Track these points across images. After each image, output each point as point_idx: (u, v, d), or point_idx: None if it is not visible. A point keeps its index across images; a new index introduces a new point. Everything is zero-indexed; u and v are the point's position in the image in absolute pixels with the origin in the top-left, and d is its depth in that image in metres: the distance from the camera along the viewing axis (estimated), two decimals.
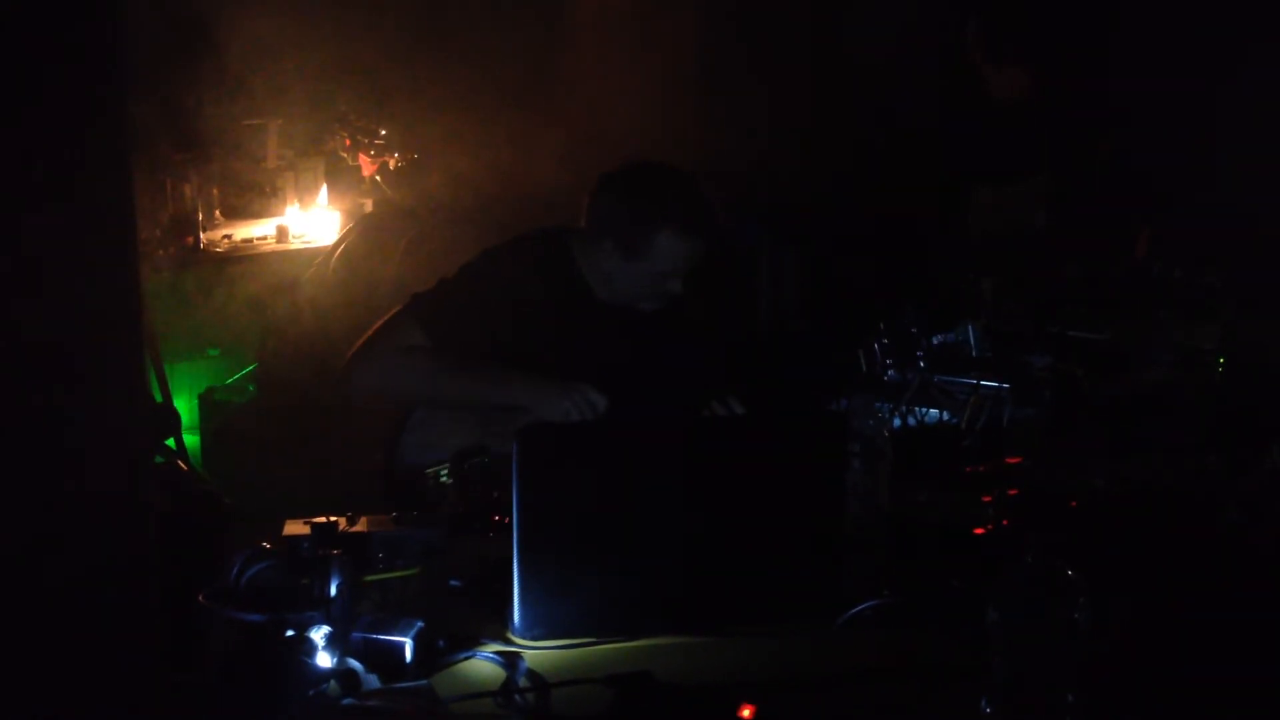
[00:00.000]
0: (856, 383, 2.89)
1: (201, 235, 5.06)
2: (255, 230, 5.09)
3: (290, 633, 1.73)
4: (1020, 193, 4.76)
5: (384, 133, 5.50)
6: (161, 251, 4.92)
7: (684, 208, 2.58)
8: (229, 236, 5.12)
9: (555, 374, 2.54)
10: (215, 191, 5.25)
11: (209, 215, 5.17)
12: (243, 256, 4.95)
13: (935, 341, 3.00)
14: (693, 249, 2.59)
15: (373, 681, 1.72)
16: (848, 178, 5.31)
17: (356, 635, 1.76)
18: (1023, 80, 4.65)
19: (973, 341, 3.06)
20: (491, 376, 2.57)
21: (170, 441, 3.87)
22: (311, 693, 1.68)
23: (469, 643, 1.83)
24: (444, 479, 2.34)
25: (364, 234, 4.38)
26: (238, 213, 5.30)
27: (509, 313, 2.60)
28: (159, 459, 3.60)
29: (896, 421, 2.74)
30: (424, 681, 1.73)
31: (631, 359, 2.68)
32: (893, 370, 2.91)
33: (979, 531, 2.22)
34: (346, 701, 1.68)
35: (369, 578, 1.98)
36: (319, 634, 1.72)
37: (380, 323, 2.62)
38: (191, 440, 4.46)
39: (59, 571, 1.59)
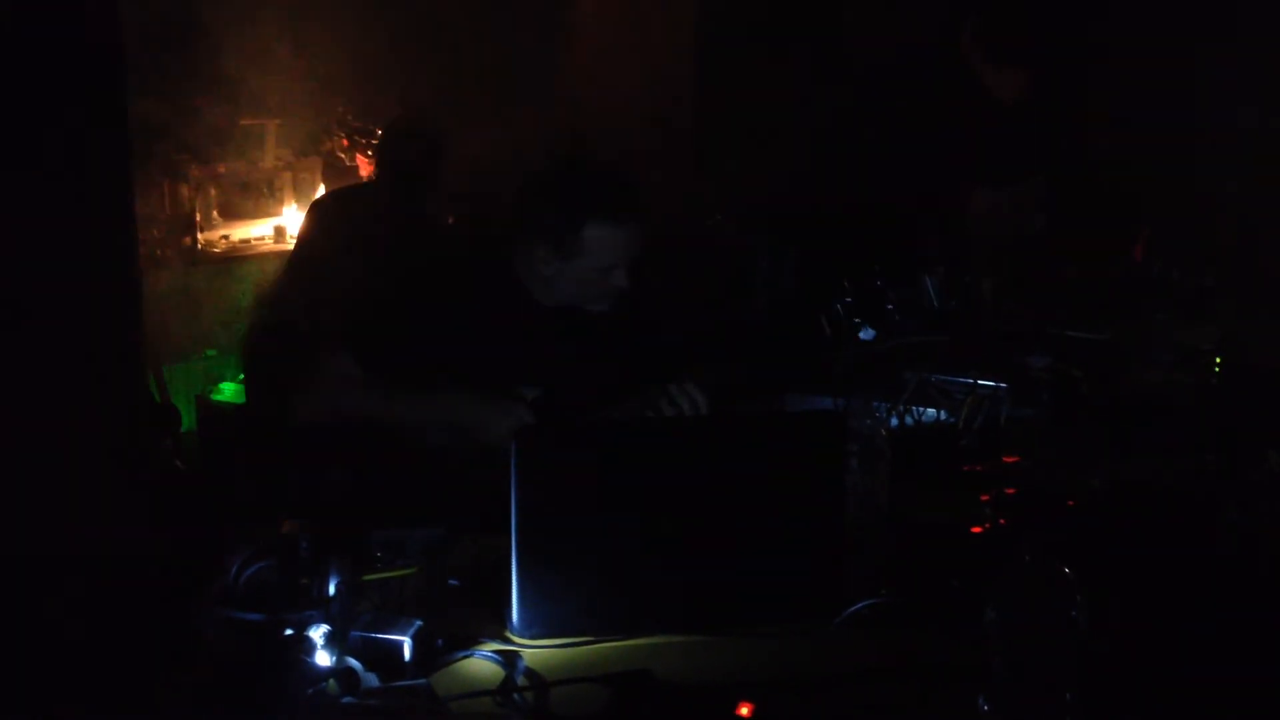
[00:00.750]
0: (828, 354, 2.88)
1: (199, 236, 5.06)
2: (253, 230, 5.10)
3: (289, 632, 1.73)
4: (1019, 194, 4.76)
5: (381, 133, 5.50)
6: (159, 252, 4.93)
7: (608, 198, 2.53)
8: (227, 237, 5.13)
9: (496, 389, 2.51)
10: (213, 192, 5.25)
11: (207, 216, 5.18)
12: (241, 257, 4.95)
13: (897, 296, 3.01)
14: (626, 238, 2.55)
15: (372, 680, 1.72)
16: (847, 178, 5.31)
17: (355, 634, 1.76)
18: (1022, 81, 4.65)
19: (931, 293, 3.07)
20: (426, 400, 2.53)
21: (169, 440, 3.86)
22: (310, 692, 1.68)
23: (468, 642, 1.83)
24: None
25: (323, 224, 4.28)
26: (235, 213, 5.30)
27: (445, 332, 2.56)
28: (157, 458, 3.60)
29: (894, 421, 2.74)
30: (423, 680, 1.73)
31: (582, 362, 2.66)
32: (866, 329, 2.90)
33: (977, 531, 2.22)
34: (345, 700, 1.68)
35: (368, 577, 1.98)
36: (318, 633, 1.72)
37: (312, 351, 2.60)
38: (189, 440, 4.46)
39: (58, 570, 1.59)
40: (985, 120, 4.74)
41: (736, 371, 3.03)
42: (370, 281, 3.36)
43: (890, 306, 2.97)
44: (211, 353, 4.90)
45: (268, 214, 5.23)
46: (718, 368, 2.88)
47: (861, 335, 2.97)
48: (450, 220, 5.46)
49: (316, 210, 4.34)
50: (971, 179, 4.88)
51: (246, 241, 5.03)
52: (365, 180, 4.49)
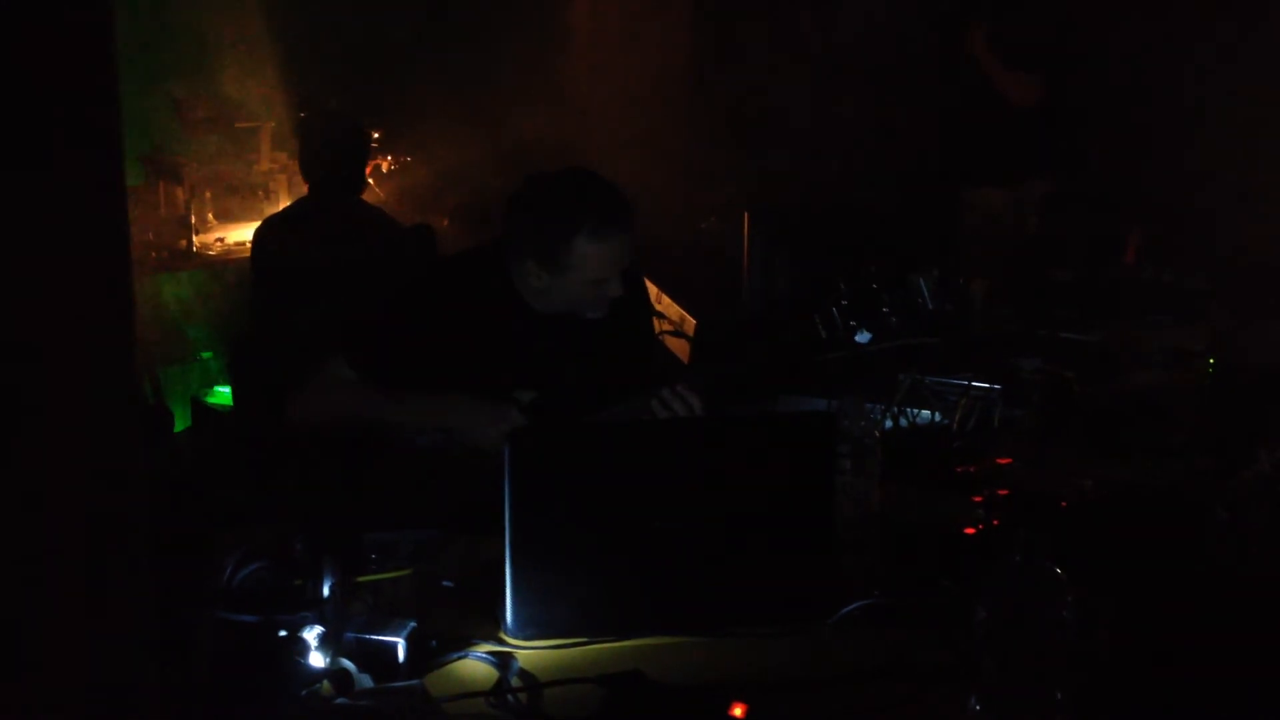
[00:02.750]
0: (823, 356, 2.89)
1: (194, 238, 5.06)
2: (248, 233, 5.08)
3: (283, 633, 1.74)
4: (1023, 195, 4.77)
5: (377, 135, 5.50)
6: (155, 254, 4.93)
7: (595, 212, 2.50)
8: (222, 239, 5.12)
9: (489, 394, 2.51)
10: (208, 194, 5.25)
11: (202, 218, 5.17)
12: (236, 259, 4.95)
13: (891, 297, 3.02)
14: (615, 250, 2.53)
15: (365, 681, 1.72)
16: (841, 179, 5.32)
17: (349, 635, 1.77)
18: (1036, 85, 4.64)
19: (925, 294, 3.07)
20: (418, 405, 2.54)
21: (163, 441, 3.87)
22: (304, 693, 1.69)
23: (461, 643, 1.84)
24: None
25: (275, 247, 4.24)
26: (231, 216, 5.30)
27: (439, 337, 2.56)
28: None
29: (888, 423, 2.75)
30: (416, 681, 1.74)
31: (576, 367, 2.66)
32: (862, 331, 2.91)
33: (969, 531, 2.23)
34: (339, 701, 1.69)
35: (362, 578, 1.98)
36: (312, 634, 1.73)
37: (307, 356, 2.62)
38: (184, 442, 4.46)
39: (51, 574, 1.59)
40: (989, 120, 4.75)
41: (730, 372, 3.03)
42: (354, 287, 3.38)
43: (886, 309, 2.97)
44: (207, 355, 4.90)
45: (263, 216, 5.22)
46: (710, 369, 2.88)
47: (857, 338, 2.98)
48: (445, 223, 5.47)
49: (266, 234, 4.31)
50: (972, 179, 4.88)
51: (242, 244, 5.02)
52: (301, 198, 4.45)
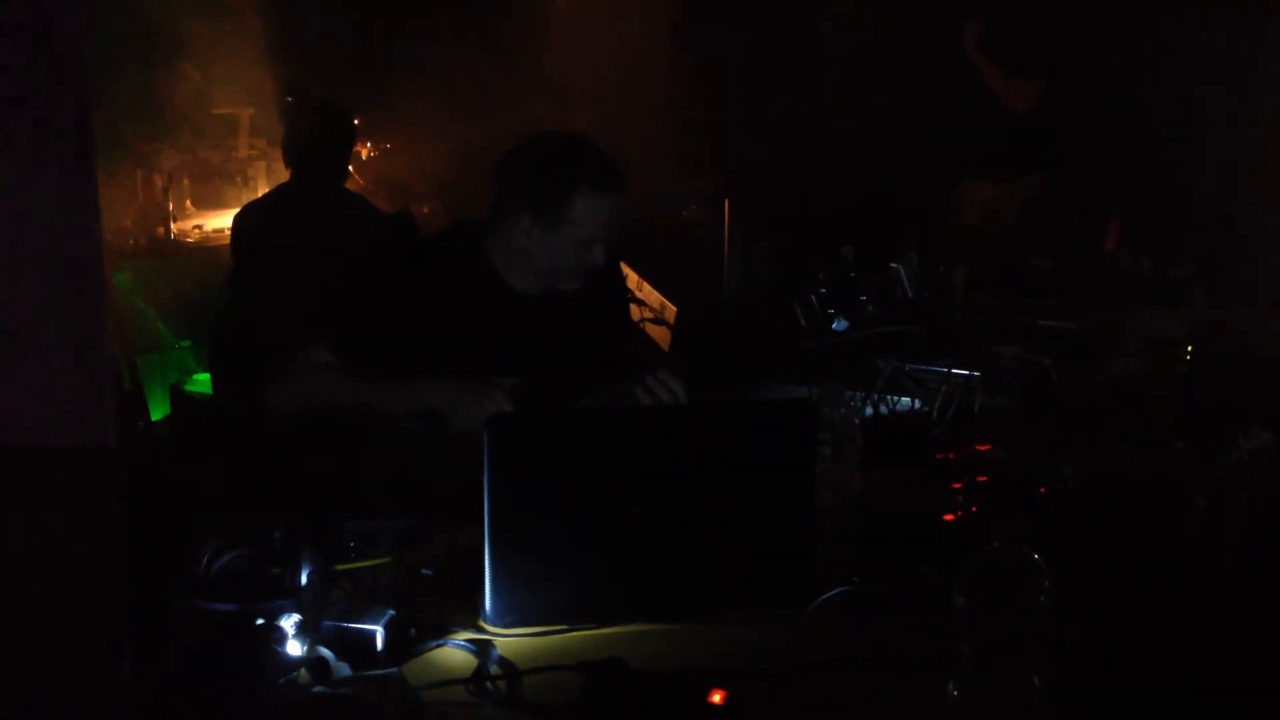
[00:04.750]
0: (801, 349, 2.90)
1: (172, 225, 5.03)
2: (227, 220, 5.06)
3: (261, 621, 1.73)
4: (1018, 191, 4.78)
5: (356, 122, 5.48)
6: (132, 242, 4.90)
7: (596, 165, 2.54)
8: (200, 227, 5.10)
9: (472, 376, 2.49)
10: (186, 181, 5.22)
11: (180, 205, 5.15)
12: (214, 247, 4.92)
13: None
14: (611, 210, 2.56)
15: (343, 669, 1.71)
16: (823, 169, 5.33)
17: (327, 623, 1.76)
18: (1035, 91, 4.65)
19: (905, 282, 3.08)
20: (400, 386, 2.52)
21: (139, 428, 3.85)
22: (282, 681, 1.68)
23: (440, 631, 1.83)
24: None
25: (256, 232, 4.21)
26: (209, 203, 5.27)
27: (416, 317, 2.55)
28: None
29: (868, 410, 2.75)
30: (395, 669, 1.73)
31: (554, 351, 2.66)
32: (839, 320, 2.91)
33: (948, 518, 2.23)
34: (317, 689, 1.68)
35: (340, 566, 1.98)
36: (289, 622, 1.72)
37: (285, 342, 2.59)
38: (162, 431, 4.44)
39: (28, 564, 1.58)
40: (985, 117, 4.74)
41: (714, 360, 3.04)
42: (332, 272, 3.36)
43: (864, 297, 2.98)
44: (185, 344, 4.88)
45: (241, 203, 5.19)
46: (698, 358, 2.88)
47: (834, 326, 2.98)
48: (425, 210, 5.45)
49: (245, 221, 4.28)
50: (967, 173, 4.88)
51: (220, 231, 4.99)
52: (281, 184, 4.42)
